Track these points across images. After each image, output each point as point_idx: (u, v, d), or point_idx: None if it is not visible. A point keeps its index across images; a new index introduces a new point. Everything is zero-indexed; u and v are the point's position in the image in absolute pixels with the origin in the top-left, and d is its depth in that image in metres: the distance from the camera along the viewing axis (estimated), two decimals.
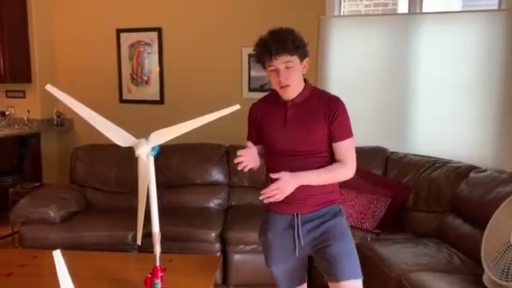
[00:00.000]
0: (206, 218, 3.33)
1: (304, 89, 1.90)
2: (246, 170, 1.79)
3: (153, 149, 1.77)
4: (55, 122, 4.42)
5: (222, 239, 3.14)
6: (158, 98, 4.27)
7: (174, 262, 2.18)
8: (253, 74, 4.00)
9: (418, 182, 3.21)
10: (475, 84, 3.46)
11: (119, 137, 1.80)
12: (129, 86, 4.34)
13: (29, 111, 4.41)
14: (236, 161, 1.76)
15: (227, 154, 3.75)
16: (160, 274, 1.83)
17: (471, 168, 3.03)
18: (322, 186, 1.88)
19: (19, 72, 4.30)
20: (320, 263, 1.90)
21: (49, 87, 1.75)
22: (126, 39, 4.27)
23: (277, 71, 1.81)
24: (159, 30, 4.18)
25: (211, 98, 3.73)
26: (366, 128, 3.59)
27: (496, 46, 3.37)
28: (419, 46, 3.60)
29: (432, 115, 3.61)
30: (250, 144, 1.82)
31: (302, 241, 1.90)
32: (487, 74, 3.41)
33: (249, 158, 1.78)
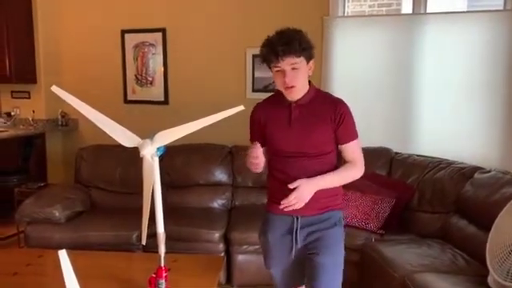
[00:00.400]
0: (209, 218, 3.34)
1: (309, 90, 1.90)
2: (259, 170, 1.80)
3: (158, 149, 1.77)
4: (60, 123, 4.44)
5: (226, 239, 3.15)
6: (163, 99, 4.28)
7: (178, 262, 2.18)
8: (257, 74, 4.00)
9: (422, 182, 3.20)
10: (480, 84, 3.44)
11: (124, 137, 1.81)
12: (133, 86, 4.35)
13: (34, 112, 4.43)
14: (253, 162, 1.77)
15: (231, 155, 3.76)
16: (164, 274, 1.84)
17: (476, 169, 3.02)
18: (327, 188, 1.88)
19: (24, 73, 4.33)
20: (306, 266, 1.91)
21: (54, 88, 1.75)
22: (131, 40, 4.28)
23: (283, 72, 1.80)
24: (163, 31, 4.19)
25: (215, 98, 3.73)
26: (371, 128, 3.58)
27: (501, 47, 3.34)
28: (423, 47, 3.59)
29: (436, 116, 3.60)
30: (258, 144, 1.79)
31: (298, 243, 1.91)
32: (492, 75, 3.40)
33: (262, 159, 1.80)
